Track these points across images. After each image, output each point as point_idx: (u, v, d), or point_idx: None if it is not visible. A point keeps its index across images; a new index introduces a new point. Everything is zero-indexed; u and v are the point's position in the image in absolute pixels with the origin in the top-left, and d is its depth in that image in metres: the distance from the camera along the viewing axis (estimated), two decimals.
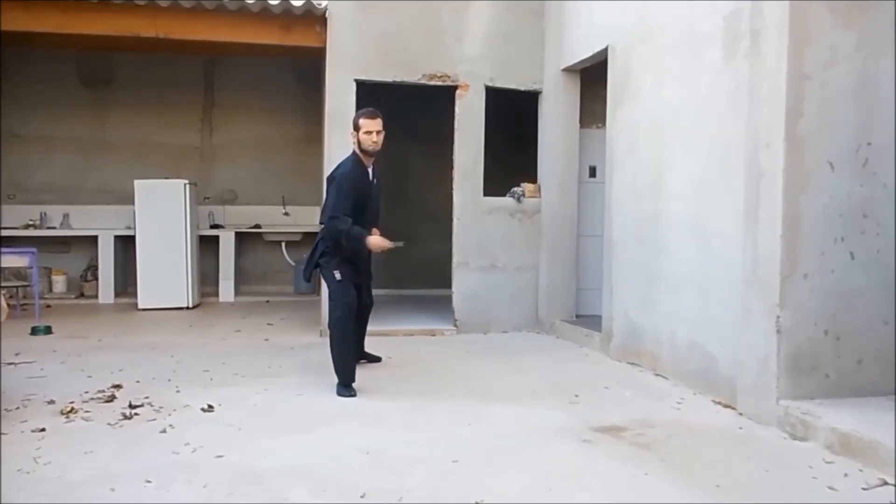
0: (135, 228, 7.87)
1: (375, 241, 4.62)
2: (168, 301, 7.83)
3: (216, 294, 8.67)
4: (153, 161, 8.79)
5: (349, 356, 4.56)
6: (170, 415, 3.92)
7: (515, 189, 6.89)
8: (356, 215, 4.54)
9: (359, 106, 6.30)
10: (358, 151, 4.65)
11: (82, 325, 6.80)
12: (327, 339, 4.68)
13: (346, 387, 4.42)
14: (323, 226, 4.69)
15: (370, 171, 4.71)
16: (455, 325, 6.67)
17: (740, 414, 4.03)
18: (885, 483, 3.00)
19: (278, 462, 3.22)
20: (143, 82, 8.86)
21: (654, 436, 3.65)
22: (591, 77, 6.51)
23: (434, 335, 6.52)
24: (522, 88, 6.83)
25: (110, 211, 8.66)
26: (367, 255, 4.83)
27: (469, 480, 3.04)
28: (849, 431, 3.34)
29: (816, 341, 3.80)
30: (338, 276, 4.57)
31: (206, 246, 8.58)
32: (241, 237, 8.92)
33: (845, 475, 3.11)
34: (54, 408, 4.01)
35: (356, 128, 4.63)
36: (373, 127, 4.57)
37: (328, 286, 4.71)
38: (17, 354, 5.37)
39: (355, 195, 4.56)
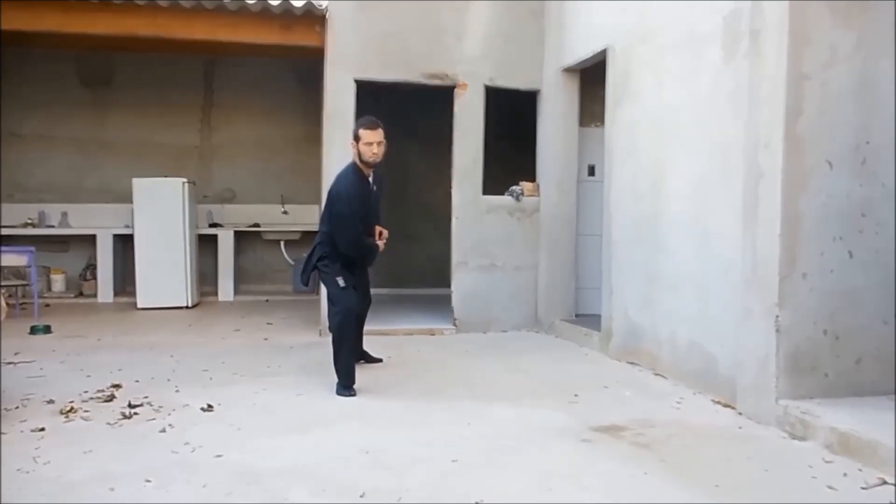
0: (133, 227, 7.87)
1: (379, 245, 4.83)
2: (167, 300, 7.83)
3: (215, 293, 8.67)
4: (153, 161, 8.79)
5: (351, 359, 4.57)
6: (169, 414, 3.92)
7: (514, 187, 6.89)
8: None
9: (359, 106, 6.32)
10: (358, 162, 4.59)
11: (81, 324, 6.80)
12: (327, 339, 4.69)
13: (346, 387, 4.43)
14: (322, 233, 4.68)
15: (370, 178, 4.67)
16: (454, 325, 6.67)
17: (740, 414, 4.03)
18: (885, 482, 3.00)
19: (278, 462, 3.22)
20: (143, 82, 8.86)
21: (653, 436, 3.65)
22: (591, 77, 6.51)
23: (433, 335, 6.52)
24: (522, 88, 6.83)
25: (109, 210, 8.66)
26: (372, 263, 4.92)
27: (469, 480, 3.04)
28: (848, 431, 3.34)
29: (816, 341, 3.80)
30: (341, 282, 4.58)
31: (205, 245, 8.58)
32: (239, 236, 8.92)
33: (844, 475, 3.11)
34: (54, 407, 4.00)
35: (356, 138, 4.55)
36: (373, 138, 4.49)
37: (329, 290, 4.70)
38: (16, 354, 5.37)
39: (362, 210, 4.59)
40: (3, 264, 7.00)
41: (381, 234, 4.87)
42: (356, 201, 4.54)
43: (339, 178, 4.68)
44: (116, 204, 8.58)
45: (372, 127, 4.52)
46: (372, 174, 4.68)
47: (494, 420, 3.93)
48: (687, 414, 4.10)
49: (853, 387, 3.82)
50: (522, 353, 5.86)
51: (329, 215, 4.64)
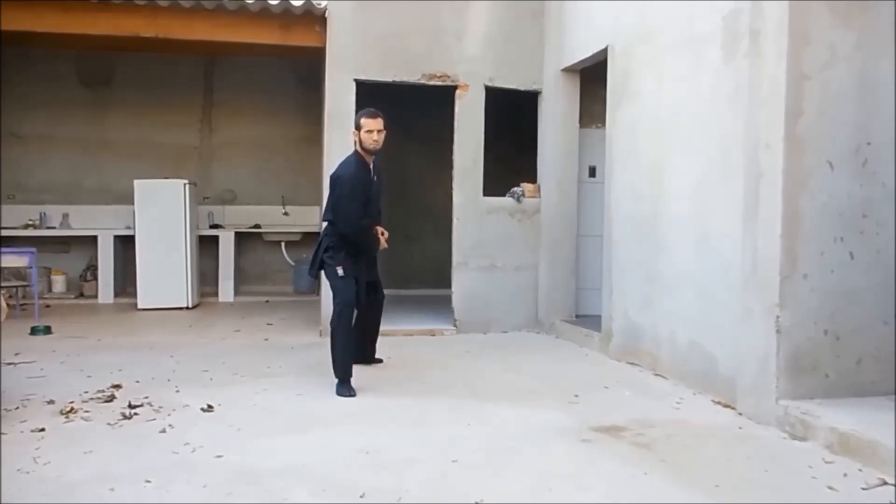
0: (134, 228, 7.87)
1: (381, 240, 4.92)
2: (167, 301, 7.83)
3: (216, 294, 8.66)
4: (153, 161, 8.79)
5: (348, 352, 4.58)
6: (169, 415, 3.92)
7: (515, 189, 6.89)
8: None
9: (358, 106, 6.31)
10: (359, 150, 4.72)
11: (82, 325, 6.80)
12: (327, 339, 4.71)
13: (345, 386, 4.43)
14: (326, 223, 4.78)
15: (371, 168, 4.77)
16: (455, 325, 6.67)
17: (740, 414, 4.03)
18: (885, 483, 3.00)
19: (278, 462, 3.22)
20: (142, 82, 8.86)
21: (654, 436, 3.65)
22: (591, 77, 6.51)
23: (434, 335, 6.52)
24: (522, 88, 6.83)
25: (110, 211, 8.66)
26: (374, 252, 4.94)
27: (469, 480, 3.04)
28: (848, 431, 3.34)
29: (816, 341, 3.80)
30: (340, 272, 4.65)
31: (206, 246, 8.57)
32: (240, 237, 8.92)
33: (845, 475, 3.11)
34: (54, 408, 4.00)
35: (357, 127, 4.72)
36: (374, 126, 4.65)
37: (330, 282, 4.77)
38: (16, 354, 5.37)
39: (363, 195, 4.68)
40: (4, 265, 7.00)
41: (382, 233, 4.92)
42: (357, 184, 4.65)
43: (341, 164, 4.83)
44: (117, 205, 8.58)
45: (372, 116, 4.70)
46: (372, 165, 4.76)
47: (494, 420, 3.93)
48: (687, 414, 4.10)
49: (853, 387, 3.82)
50: (523, 353, 5.86)
51: (332, 200, 4.76)
